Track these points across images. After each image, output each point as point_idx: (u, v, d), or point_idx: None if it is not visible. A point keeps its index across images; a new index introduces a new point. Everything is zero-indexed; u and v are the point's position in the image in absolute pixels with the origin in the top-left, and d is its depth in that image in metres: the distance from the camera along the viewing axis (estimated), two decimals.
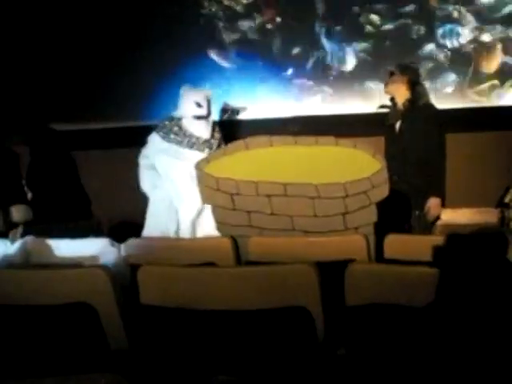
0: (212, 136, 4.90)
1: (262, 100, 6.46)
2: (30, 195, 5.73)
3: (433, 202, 4.85)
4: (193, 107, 4.81)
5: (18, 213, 5.22)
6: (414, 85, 4.98)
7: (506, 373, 2.29)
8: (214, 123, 5.01)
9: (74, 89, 6.64)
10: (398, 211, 4.78)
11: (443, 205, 4.92)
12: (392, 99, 5.07)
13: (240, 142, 4.33)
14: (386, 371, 2.42)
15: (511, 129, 6.04)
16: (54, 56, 6.65)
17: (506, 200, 5.52)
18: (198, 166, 4.32)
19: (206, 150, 4.83)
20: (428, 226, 4.89)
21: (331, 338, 2.59)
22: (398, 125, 4.99)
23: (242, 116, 6.45)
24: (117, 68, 6.58)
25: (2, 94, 6.50)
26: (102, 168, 6.39)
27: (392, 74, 5.06)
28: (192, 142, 4.82)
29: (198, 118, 4.83)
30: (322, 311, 2.58)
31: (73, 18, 6.61)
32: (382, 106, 5.19)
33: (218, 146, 4.88)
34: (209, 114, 4.87)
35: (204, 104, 4.80)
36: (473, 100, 6.19)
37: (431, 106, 5.03)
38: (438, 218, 4.93)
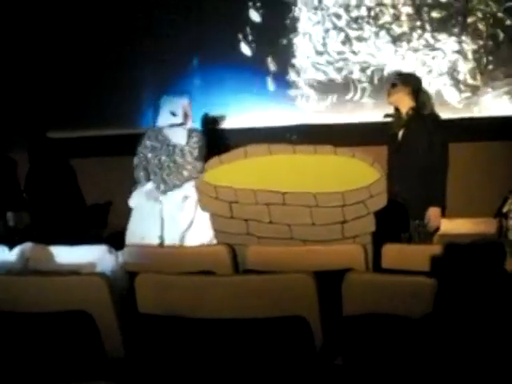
0: (187, 143, 4.93)
1: (260, 109, 6.47)
2: (28, 201, 5.74)
3: (433, 212, 4.82)
4: (168, 116, 4.89)
5: (15, 218, 5.22)
6: (418, 93, 4.94)
7: (504, 382, 2.29)
8: (192, 130, 5.01)
9: (73, 97, 6.66)
10: (396, 221, 4.77)
11: (443, 215, 4.89)
12: (396, 108, 5.03)
13: (239, 150, 4.33)
14: (383, 381, 2.42)
15: (509, 139, 6.05)
16: (53, 65, 6.66)
17: (504, 210, 5.51)
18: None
19: (177, 158, 4.87)
20: (428, 237, 4.86)
21: (329, 347, 2.59)
22: (400, 134, 4.95)
23: (241, 124, 6.46)
24: (115, 76, 6.59)
25: (2, 103, 6.51)
26: (100, 175, 6.39)
27: (394, 84, 5.01)
28: (169, 150, 4.88)
29: (175, 126, 4.89)
30: (319, 320, 2.58)
31: (70, 28, 6.64)
32: (387, 116, 5.13)
33: (193, 153, 4.90)
34: (184, 122, 4.91)
35: (179, 113, 4.89)
36: None
37: (436, 116, 4.99)
38: (437, 228, 4.90)
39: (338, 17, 6.43)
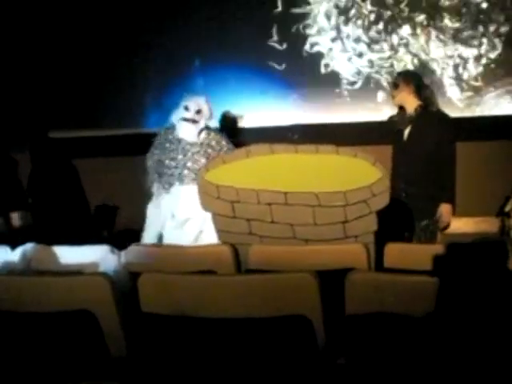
0: (208, 144, 4.87)
1: (263, 108, 6.48)
2: (30, 202, 5.75)
3: (444, 209, 4.81)
4: (181, 110, 4.89)
5: (17, 218, 5.23)
6: (421, 90, 4.94)
7: (506, 382, 2.29)
8: (211, 131, 4.97)
9: (76, 96, 6.67)
10: (398, 220, 4.77)
11: (454, 212, 4.88)
12: (400, 107, 5.00)
13: (241, 149, 4.33)
14: (386, 381, 2.42)
15: (511, 138, 6.05)
16: (56, 65, 6.67)
17: (506, 209, 5.51)
18: (199, 174, 4.33)
19: (203, 160, 4.80)
20: (434, 236, 4.85)
21: (331, 346, 2.59)
22: (407, 131, 4.92)
23: (242, 124, 6.46)
24: (119, 76, 6.60)
25: (4, 102, 6.52)
26: (103, 175, 6.40)
27: (396, 85, 4.99)
28: (185, 149, 4.84)
29: (185, 120, 4.86)
30: (322, 320, 2.58)
31: (73, 27, 6.64)
32: (392, 117, 5.10)
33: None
34: (196, 119, 4.86)
35: (192, 108, 4.86)
36: None
37: (443, 112, 4.98)
38: (447, 225, 4.89)
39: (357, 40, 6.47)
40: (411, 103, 4.90)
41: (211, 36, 6.52)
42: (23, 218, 5.39)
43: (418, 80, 5.00)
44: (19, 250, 3.47)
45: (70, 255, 3.53)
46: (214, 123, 5.37)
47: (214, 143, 4.89)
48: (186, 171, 4.82)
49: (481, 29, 6.27)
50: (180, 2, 6.69)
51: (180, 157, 4.84)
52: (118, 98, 6.57)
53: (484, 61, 6.27)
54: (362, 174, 4.03)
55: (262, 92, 6.50)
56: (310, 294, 2.58)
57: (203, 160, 4.79)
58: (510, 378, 2.27)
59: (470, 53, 6.29)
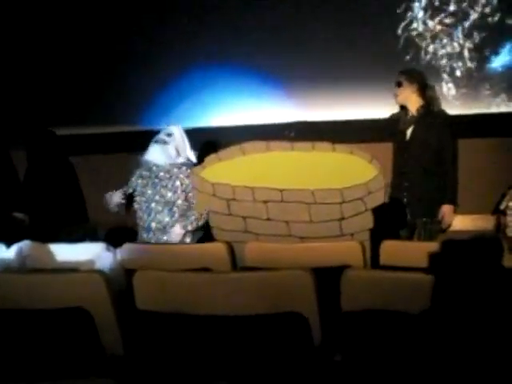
0: (177, 177, 4.72)
1: (259, 106, 6.48)
2: (26, 199, 5.73)
3: (446, 210, 4.82)
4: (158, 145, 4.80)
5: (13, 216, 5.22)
6: (424, 90, 4.93)
7: (502, 379, 2.29)
8: (184, 167, 4.67)
9: (74, 93, 6.66)
10: (394, 217, 4.77)
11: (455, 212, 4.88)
12: (402, 106, 4.99)
13: (236, 147, 4.33)
14: (382, 377, 2.42)
15: (507, 136, 6.06)
16: (55, 61, 6.67)
17: (502, 207, 5.52)
18: (194, 172, 4.33)
19: (169, 194, 4.70)
20: (434, 234, 4.85)
21: (327, 343, 2.59)
22: (409, 131, 4.92)
23: (239, 121, 6.46)
24: (116, 73, 6.60)
25: (2, 98, 6.51)
26: (99, 172, 6.40)
27: (399, 83, 4.96)
28: (155, 183, 4.73)
29: (155, 142, 4.75)
30: (318, 317, 2.58)
31: (73, 24, 6.65)
32: (394, 115, 5.08)
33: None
34: (166, 140, 4.69)
35: (163, 131, 4.75)
36: None
37: (445, 113, 4.98)
38: (449, 225, 4.89)
39: None
40: (414, 103, 4.89)
41: (209, 34, 6.51)
42: (18, 216, 5.38)
43: (421, 79, 4.98)
44: (15, 248, 3.46)
45: (65, 253, 3.53)
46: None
47: (181, 176, 4.71)
48: (153, 224, 4.71)
49: (468, 23, 6.30)
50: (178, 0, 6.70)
51: (149, 191, 4.73)
52: (113, 96, 6.57)
53: (479, 57, 6.28)
54: (359, 172, 4.03)
55: (258, 90, 6.49)
56: (306, 292, 2.58)
57: (169, 194, 4.69)
58: (505, 375, 2.28)
59: (464, 49, 6.30)
